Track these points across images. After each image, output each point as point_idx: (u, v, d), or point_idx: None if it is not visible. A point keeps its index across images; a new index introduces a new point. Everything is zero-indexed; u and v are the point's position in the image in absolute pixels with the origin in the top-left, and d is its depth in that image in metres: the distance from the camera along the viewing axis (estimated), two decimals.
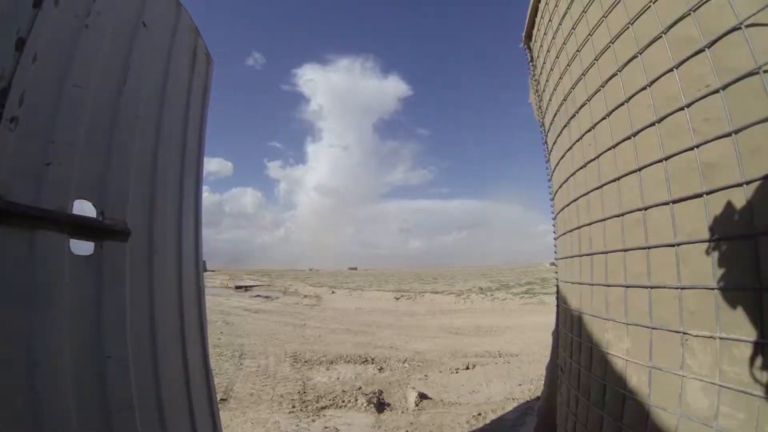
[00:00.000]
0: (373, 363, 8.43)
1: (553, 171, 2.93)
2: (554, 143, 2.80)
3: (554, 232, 3.05)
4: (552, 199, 3.07)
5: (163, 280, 2.55)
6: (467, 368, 8.08)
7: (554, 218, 3.02)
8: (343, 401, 6.00)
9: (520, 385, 6.98)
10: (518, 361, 8.75)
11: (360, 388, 6.62)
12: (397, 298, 23.73)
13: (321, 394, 6.29)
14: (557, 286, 3.04)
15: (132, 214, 2.35)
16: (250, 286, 33.69)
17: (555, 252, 3.06)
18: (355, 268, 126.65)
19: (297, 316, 15.67)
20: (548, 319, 14.47)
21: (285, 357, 8.59)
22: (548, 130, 3.01)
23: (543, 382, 7.38)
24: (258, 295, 26.16)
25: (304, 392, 6.36)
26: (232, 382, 6.74)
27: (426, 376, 7.55)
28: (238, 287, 32.64)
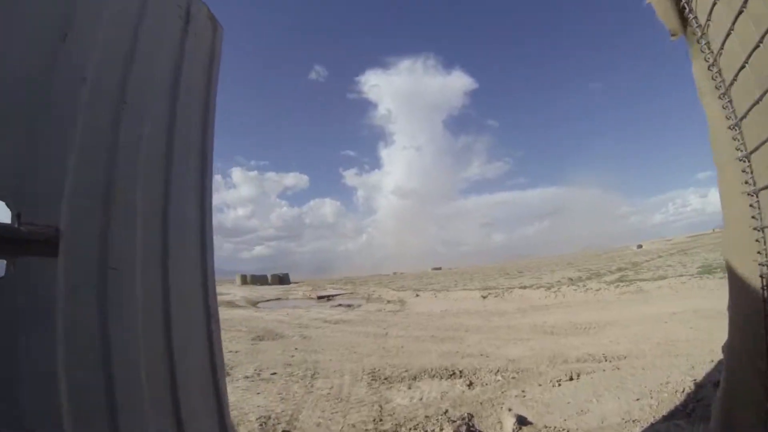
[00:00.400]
0: (461, 377, 7.35)
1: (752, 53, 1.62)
2: None
3: (751, 181, 1.72)
4: (737, 122, 1.77)
5: (131, 311, 1.73)
6: (571, 378, 6.77)
7: (745, 160, 1.72)
8: (426, 431, 5.00)
9: (638, 400, 5.62)
10: (629, 365, 7.28)
11: (446, 411, 5.57)
12: (484, 297, 22.32)
13: (400, 421, 5.34)
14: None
15: (71, 216, 1.54)
16: (333, 296, 33.72)
17: (757, 215, 1.74)
18: (440, 268, 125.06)
19: (379, 325, 14.90)
20: (652, 309, 12.68)
21: (362, 374, 7.75)
22: None
23: (666, 394, 5.89)
24: (339, 305, 25.91)
25: (380, 420, 5.44)
26: (298, 408, 5.99)
27: (523, 392, 6.35)
28: (320, 297, 32.78)
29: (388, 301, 26.11)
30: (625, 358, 7.86)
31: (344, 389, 6.89)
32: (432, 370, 7.79)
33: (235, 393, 6.86)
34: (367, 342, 11.33)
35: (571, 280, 25.43)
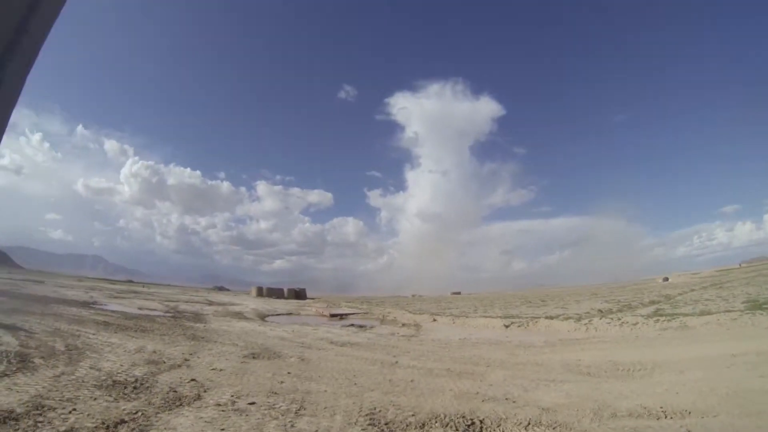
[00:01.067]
0: (482, 429, 5.78)
1: None
2: None
3: None
4: None
5: None
6: None
7: None
8: None
9: None
10: (701, 428, 5.68)
11: None
12: (507, 326, 20.58)
13: None
14: None
15: None
16: (346, 314, 32.17)
17: None
18: (459, 293, 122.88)
19: (389, 351, 13.27)
20: (705, 350, 10.24)
21: (358, 416, 6.17)
22: None
23: None
24: (351, 324, 24.28)
25: None
26: None
27: None
28: (332, 315, 31.22)
29: (403, 325, 24.53)
30: (689, 414, 6.24)
31: None
32: (445, 416, 6.21)
33: (195, 425, 5.47)
34: (373, 371, 9.76)
35: (601, 312, 23.55)
